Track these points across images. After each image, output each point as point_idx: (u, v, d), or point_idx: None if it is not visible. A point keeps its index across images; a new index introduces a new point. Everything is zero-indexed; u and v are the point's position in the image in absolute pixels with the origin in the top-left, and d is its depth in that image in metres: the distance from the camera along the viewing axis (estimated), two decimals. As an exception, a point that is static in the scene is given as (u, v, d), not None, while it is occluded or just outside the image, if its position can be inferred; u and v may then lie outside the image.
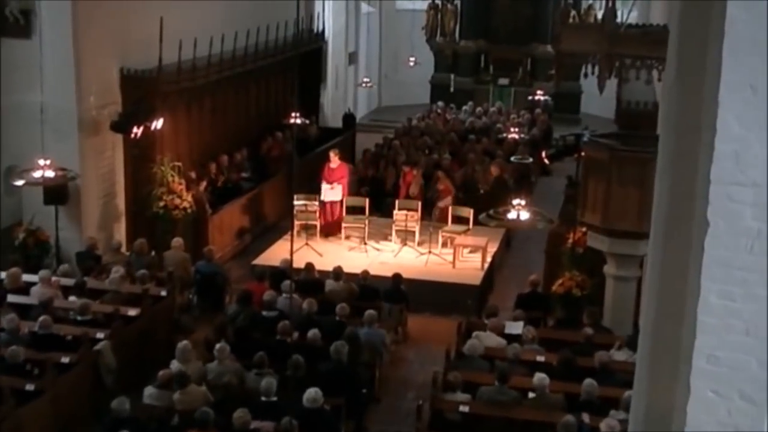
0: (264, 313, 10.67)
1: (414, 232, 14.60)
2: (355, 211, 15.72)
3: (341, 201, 14.93)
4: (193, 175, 14.81)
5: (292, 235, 8.55)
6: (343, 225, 14.89)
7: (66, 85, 12.64)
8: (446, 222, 15.24)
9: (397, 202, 15.07)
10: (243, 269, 14.08)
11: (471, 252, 14.22)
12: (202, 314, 12.31)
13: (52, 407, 8.84)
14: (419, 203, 15.09)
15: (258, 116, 18.46)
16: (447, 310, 12.65)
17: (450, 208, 15.02)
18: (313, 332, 9.87)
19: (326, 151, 19.50)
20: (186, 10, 14.47)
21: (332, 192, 14.62)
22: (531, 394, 8.66)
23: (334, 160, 14.84)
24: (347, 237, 14.92)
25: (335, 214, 14.83)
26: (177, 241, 12.72)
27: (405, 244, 14.48)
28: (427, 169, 16.76)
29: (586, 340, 9.92)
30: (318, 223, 14.64)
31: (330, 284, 11.91)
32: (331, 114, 24.56)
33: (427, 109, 24.06)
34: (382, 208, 16.13)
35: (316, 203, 14.38)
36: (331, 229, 14.73)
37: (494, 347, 9.92)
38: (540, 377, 8.64)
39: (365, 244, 14.49)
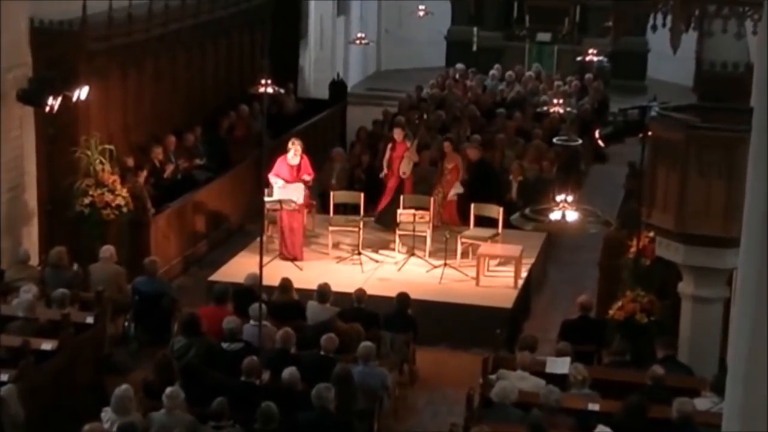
0: (224, 345, 10.64)
1: (424, 237, 14.56)
2: (345, 209, 15.65)
3: (305, 210, 14.72)
4: (130, 162, 14.75)
5: (261, 243, 8.50)
6: (330, 229, 14.84)
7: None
8: (453, 219, 15.18)
9: (402, 198, 15.02)
10: (197, 288, 14.05)
11: (500, 264, 14.16)
12: (141, 348, 12.28)
13: (-60, 473, 8.79)
14: (431, 200, 15.05)
15: (217, 84, 18.42)
16: (468, 341, 12.62)
17: (471, 206, 14.97)
18: (289, 371, 9.84)
19: (309, 131, 19.55)
20: (120, -58, 14.46)
21: (288, 191, 14.09)
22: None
23: (296, 153, 14.39)
24: (336, 245, 14.88)
25: (297, 227, 14.35)
26: (108, 251, 12.67)
27: (412, 254, 14.45)
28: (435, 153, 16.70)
29: (656, 383, 9.87)
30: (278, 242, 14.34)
31: (313, 307, 11.87)
32: (314, 81, 24.48)
33: (441, 75, 24.04)
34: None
35: (293, 200, 14.29)
36: (295, 250, 14.36)
37: (531, 391, 9.86)
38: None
39: (359, 253, 14.45)
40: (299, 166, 14.42)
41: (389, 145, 15.65)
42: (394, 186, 15.42)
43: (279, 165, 14.37)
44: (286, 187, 14.19)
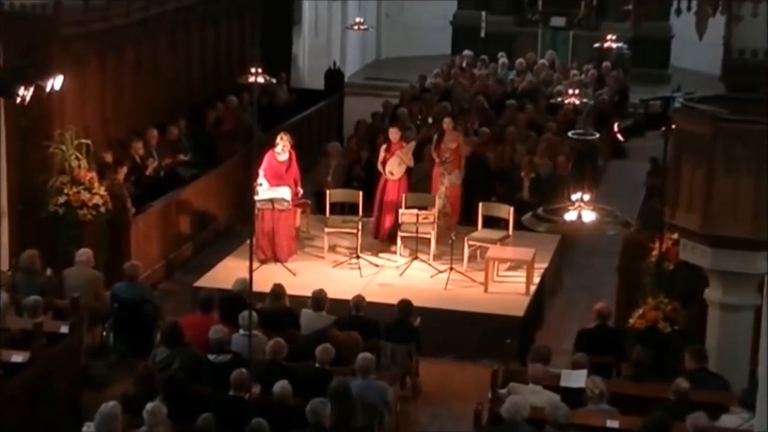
0: (211, 356, 10.63)
1: (429, 239, 14.54)
2: (342, 209, 15.62)
3: (298, 210, 14.75)
4: (108, 157, 14.72)
5: (251, 245, 8.48)
6: (326, 230, 14.82)
7: None
8: (455, 210, 15.07)
9: (404, 196, 14.99)
10: (181, 294, 14.06)
11: (511, 269, 14.17)
12: (121, 359, 12.26)
13: None
14: (435, 197, 15.00)
15: (203, 73, 18.40)
16: (476, 352, 12.63)
17: (479, 206, 14.95)
18: (280, 385, 9.82)
19: (302, 124, 19.54)
20: None
21: (274, 191, 14.10)
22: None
23: (284, 148, 14.36)
24: (332, 247, 14.86)
25: (280, 228, 14.36)
26: (84, 254, 12.65)
27: (415, 258, 14.43)
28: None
29: (680, 397, 9.84)
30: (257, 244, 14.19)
31: (308, 315, 11.85)
32: (309, 70, 24.49)
33: (447, 63, 24.03)
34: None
35: (286, 199, 14.27)
36: (277, 252, 14.37)
37: (545, 407, 9.85)
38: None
39: (358, 257, 14.43)
40: (288, 162, 14.38)
41: (383, 146, 15.25)
42: (395, 197, 14.91)
43: (267, 161, 14.31)
44: (271, 189, 14.15)
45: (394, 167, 14.97)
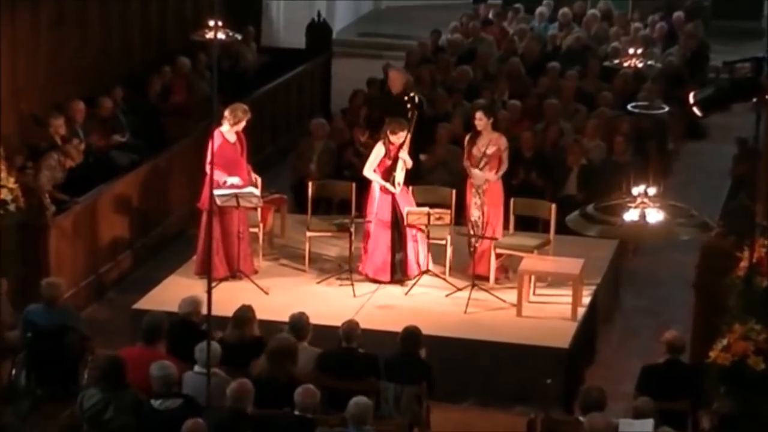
0: (155, 402, 10.63)
1: (443, 246, 14.56)
2: (330, 207, 15.62)
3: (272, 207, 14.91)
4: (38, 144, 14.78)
5: (209, 255, 8.45)
6: (308, 234, 14.83)
7: None
8: (492, 226, 15.02)
9: (410, 189, 14.98)
10: (116, 320, 14.11)
11: (552, 286, 14.21)
12: (37, 405, 12.24)
13: None
14: (453, 192, 14.97)
15: (146, 29, 18.40)
16: (506, 396, 12.66)
17: (512, 202, 14.94)
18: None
19: (278, 94, 19.52)
20: None
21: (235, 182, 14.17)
22: None
23: (233, 123, 14.22)
24: (316, 257, 14.91)
25: (240, 243, 14.29)
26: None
27: (426, 271, 14.46)
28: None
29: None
30: (218, 254, 14.03)
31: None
32: (285, 23, 24.51)
33: (467, 14, 24.05)
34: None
35: (255, 194, 14.27)
36: (245, 265, 14.38)
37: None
38: None
39: (350, 270, 14.43)
40: (240, 145, 14.31)
41: (380, 152, 14.44)
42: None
43: (219, 146, 14.08)
44: (234, 180, 14.16)
45: (399, 176, 14.51)
